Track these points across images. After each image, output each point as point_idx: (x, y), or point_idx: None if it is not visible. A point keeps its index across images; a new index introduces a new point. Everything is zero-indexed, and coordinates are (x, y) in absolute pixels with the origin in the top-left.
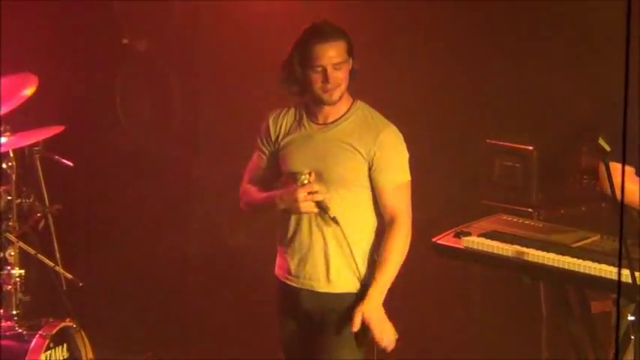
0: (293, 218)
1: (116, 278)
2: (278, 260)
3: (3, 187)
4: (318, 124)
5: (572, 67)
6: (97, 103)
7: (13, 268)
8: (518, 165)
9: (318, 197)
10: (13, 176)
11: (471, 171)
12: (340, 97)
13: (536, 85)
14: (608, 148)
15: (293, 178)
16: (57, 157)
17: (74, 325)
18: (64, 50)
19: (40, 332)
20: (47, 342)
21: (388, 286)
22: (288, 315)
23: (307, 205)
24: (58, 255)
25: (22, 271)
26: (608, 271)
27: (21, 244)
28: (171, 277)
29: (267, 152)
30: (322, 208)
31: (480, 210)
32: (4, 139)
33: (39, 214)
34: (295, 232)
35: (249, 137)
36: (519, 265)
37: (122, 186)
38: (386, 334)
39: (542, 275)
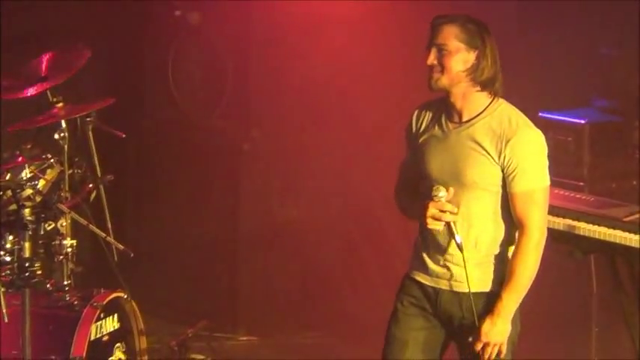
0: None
1: (167, 249)
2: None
3: (55, 158)
4: (454, 122)
5: (627, 42)
6: (148, 75)
7: (64, 239)
8: (570, 139)
9: (448, 218)
10: (66, 147)
11: None
12: (445, 86)
13: (590, 60)
14: None
15: (428, 184)
16: (109, 128)
17: (125, 296)
18: (116, 22)
19: (91, 303)
20: (98, 312)
21: (516, 304)
22: (417, 311)
23: (434, 224)
24: (109, 225)
25: (74, 242)
26: None
27: (73, 214)
28: (221, 248)
29: (409, 147)
30: (450, 229)
31: None
32: (56, 110)
33: (91, 185)
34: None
35: (300, 113)
36: (570, 239)
37: (172, 158)
38: (493, 357)
39: (594, 249)
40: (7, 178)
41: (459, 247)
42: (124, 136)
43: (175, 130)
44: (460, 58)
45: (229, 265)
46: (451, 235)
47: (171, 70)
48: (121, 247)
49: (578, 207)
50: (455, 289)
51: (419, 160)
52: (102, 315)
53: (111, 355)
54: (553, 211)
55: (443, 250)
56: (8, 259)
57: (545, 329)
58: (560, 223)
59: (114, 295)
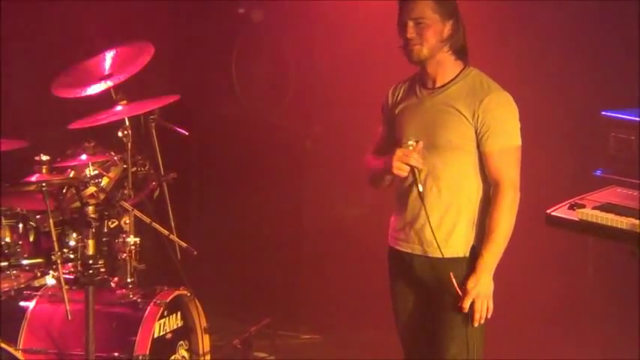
0: (404, 185)
1: (230, 247)
2: (390, 225)
3: (119, 156)
4: (427, 89)
5: None
6: (212, 73)
7: (128, 236)
8: (633, 137)
9: (412, 161)
10: (129, 144)
11: (585, 143)
12: (426, 57)
13: None
14: None
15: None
16: (172, 125)
17: (188, 294)
18: (180, 19)
19: (154, 300)
20: (161, 310)
21: (496, 259)
22: (400, 281)
23: (399, 166)
24: (172, 223)
25: (137, 239)
26: None
27: (136, 212)
28: (284, 246)
29: (385, 122)
30: (413, 174)
31: (595, 182)
32: (119, 107)
33: (154, 183)
34: (405, 196)
35: (362, 110)
36: (633, 238)
37: (235, 156)
38: (485, 312)
39: None
40: (71, 175)
41: (421, 196)
42: (187, 134)
43: (238, 128)
44: (437, 29)
45: (292, 262)
46: (414, 182)
47: (234, 67)
48: (184, 245)
49: None
50: (428, 254)
51: (396, 129)
52: (165, 313)
53: (174, 353)
54: (616, 209)
55: (416, 215)
56: (72, 256)
57: (609, 326)
58: (623, 222)
59: (177, 292)
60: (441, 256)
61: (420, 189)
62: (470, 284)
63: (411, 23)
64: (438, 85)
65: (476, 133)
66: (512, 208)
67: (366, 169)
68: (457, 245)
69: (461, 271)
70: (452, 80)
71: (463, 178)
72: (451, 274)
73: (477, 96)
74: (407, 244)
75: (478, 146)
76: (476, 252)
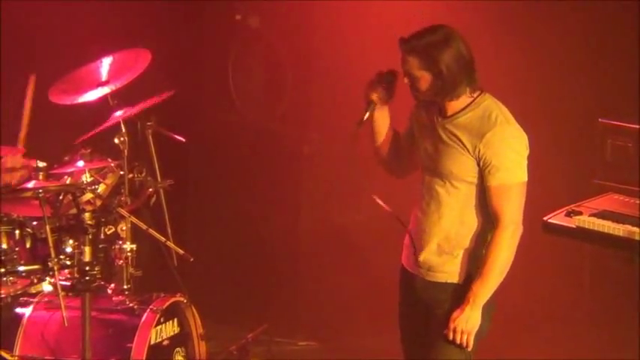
0: (418, 207)
1: (226, 254)
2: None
3: (115, 162)
4: (441, 116)
5: None
6: (208, 79)
7: (124, 243)
8: (630, 145)
9: (373, 95)
10: (125, 151)
11: (582, 150)
12: (425, 97)
13: None
14: None
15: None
16: (169, 132)
17: (185, 300)
18: (175, 26)
19: (150, 307)
20: (158, 317)
21: (487, 294)
22: (405, 297)
23: (366, 93)
24: (169, 230)
25: (134, 246)
26: None
27: (133, 218)
28: (281, 252)
29: (409, 124)
30: (368, 104)
31: (592, 189)
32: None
33: (151, 189)
34: (414, 216)
35: (360, 115)
36: (630, 245)
37: (232, 162)
38: (464, 345)
39: None
40: (68, 182)
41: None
42: (184, 140)
43: (235, 134)
44: (427, 80)
45: (289, 269)
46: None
47: (231, 73)
48: (180, 251)
49: (638, 213)
50: (427, 277)
51: (414, 144)
52: (162, 319)
53: None
54: (613, 216)
55: (420, 238)
56: (68, 263)
57: (606, 333)
58: (620, 229)
59: (174, 299)
60: (434, 279)
61: (365, 117)
62: (454, 314)
63: (405, 74)
64: (449, 114)
65: (478, 165)
66: (510, 244)
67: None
68: (452, 272)
69: (456, 297)
70: (462, 110)
71: (464, 208)
72: (375, 197)
73: (481, 129)
74: (409, 263)
75: (481, 178)
76: (471, 281)
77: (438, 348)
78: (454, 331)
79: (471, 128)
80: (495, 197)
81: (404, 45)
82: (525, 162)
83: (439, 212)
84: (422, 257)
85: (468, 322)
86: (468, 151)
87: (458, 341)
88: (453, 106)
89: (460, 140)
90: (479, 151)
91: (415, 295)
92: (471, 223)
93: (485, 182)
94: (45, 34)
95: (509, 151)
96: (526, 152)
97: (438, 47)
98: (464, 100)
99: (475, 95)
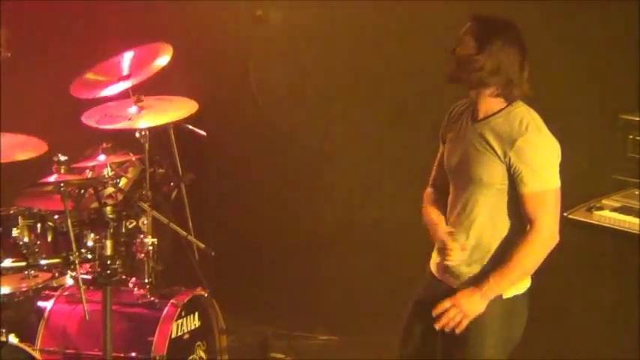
0: (448, 216)
1: (247, 248)
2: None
3: (137, 156)
4: (473, 119)
5: None
6: (230, 75)
7: (146, 237)
8: None
9: (448, 260)
10: (147, 145)
11: (603, 146)
12: (451, 80)
13: None
14: None
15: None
16: (191, 127)
17: (206, 294)
18: (196, 20)
19: (172, 301)
20: (179, 310)
21: (500, 289)
22: (422, 297)
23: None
24: (190, 224)
25: (155, 240)
26: None
27: (154, 213)
28: (302, 247)
29: (442, 141)
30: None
31: (613, 185)
32: (136, 110)
33: (172, 184)
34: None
35: (382, 112)
36: None
37: (254, 157)
38: (450, 324)
39: None
40: (89, 176)
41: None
42: (205, 134)
43: (256, 130)
44: (469, 61)
45: (310, 264)
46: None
47: (252, 69)
48: (202, 245)
49: None
50: (454, 285)
51: (444, 153)
52: (183, 313)
53: (192, 354)
54: (634, 212)
55: (444, 245)
56: (90, 257)
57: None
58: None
59: (195, 293)
60: (461, 288)
61: None
62: (459, 293)
63: (456, 52)
64: (481, 117)
65: (509, 172)
66: (540, 251)
67: (424, 205)
68: (479, 280)
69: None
70: (494, 114)
71: (495, 215)
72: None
73: (512, 135)
74: (437, 269)
75: (512, 184)
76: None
77: (460, 348)
78: (451, 307)
79: (501, 133)
80: (529, 205)
81: (467, 25)
82: (557, 169)
83: (469, 220)
84: (452, 265)
85: (470, 306)
86: (499, 157)
87: (447, 318)
88: (486, 109)
89: (490, 146)
90: (509, 158)
91: (437, 300)
92: (501, 229)
93: (518, 189)
94: (68, 30)
95: (539, 159)
96: (558, 160)
97: (501, 39)
98: (497, 104)
99: (508, 103)
